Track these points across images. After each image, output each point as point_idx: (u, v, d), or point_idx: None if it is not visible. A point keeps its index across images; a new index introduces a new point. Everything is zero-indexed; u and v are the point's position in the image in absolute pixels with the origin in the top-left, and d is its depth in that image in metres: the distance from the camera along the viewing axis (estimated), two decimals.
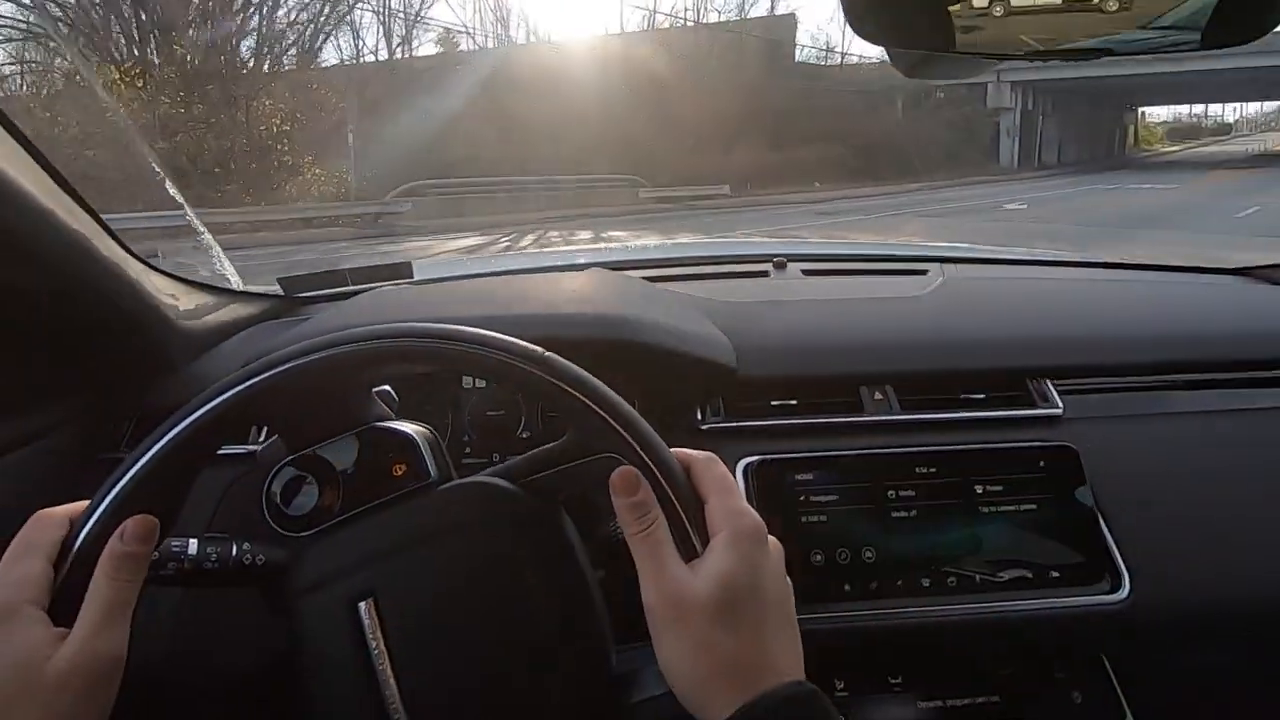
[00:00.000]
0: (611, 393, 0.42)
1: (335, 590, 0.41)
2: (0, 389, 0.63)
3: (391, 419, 0.48)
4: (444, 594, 0.42)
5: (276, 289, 0.94)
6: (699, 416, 0.72)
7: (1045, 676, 0.63)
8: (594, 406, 0.41)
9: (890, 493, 0.65)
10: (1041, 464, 0.67)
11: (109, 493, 0.39)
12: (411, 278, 1.00)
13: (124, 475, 0.39)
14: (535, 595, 0.42)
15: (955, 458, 0.67)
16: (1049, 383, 0.75)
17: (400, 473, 0.45)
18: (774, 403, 0.74)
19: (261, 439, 0.67)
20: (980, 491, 0.66)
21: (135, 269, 0.69)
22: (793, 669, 0.39)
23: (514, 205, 12.35)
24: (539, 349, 0.42)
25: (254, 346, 0.80)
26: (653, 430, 0.42)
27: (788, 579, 0.41)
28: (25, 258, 0.57)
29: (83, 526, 0.38)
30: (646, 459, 0.41)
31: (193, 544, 0.43)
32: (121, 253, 0.67)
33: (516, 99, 15.06)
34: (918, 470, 0.67)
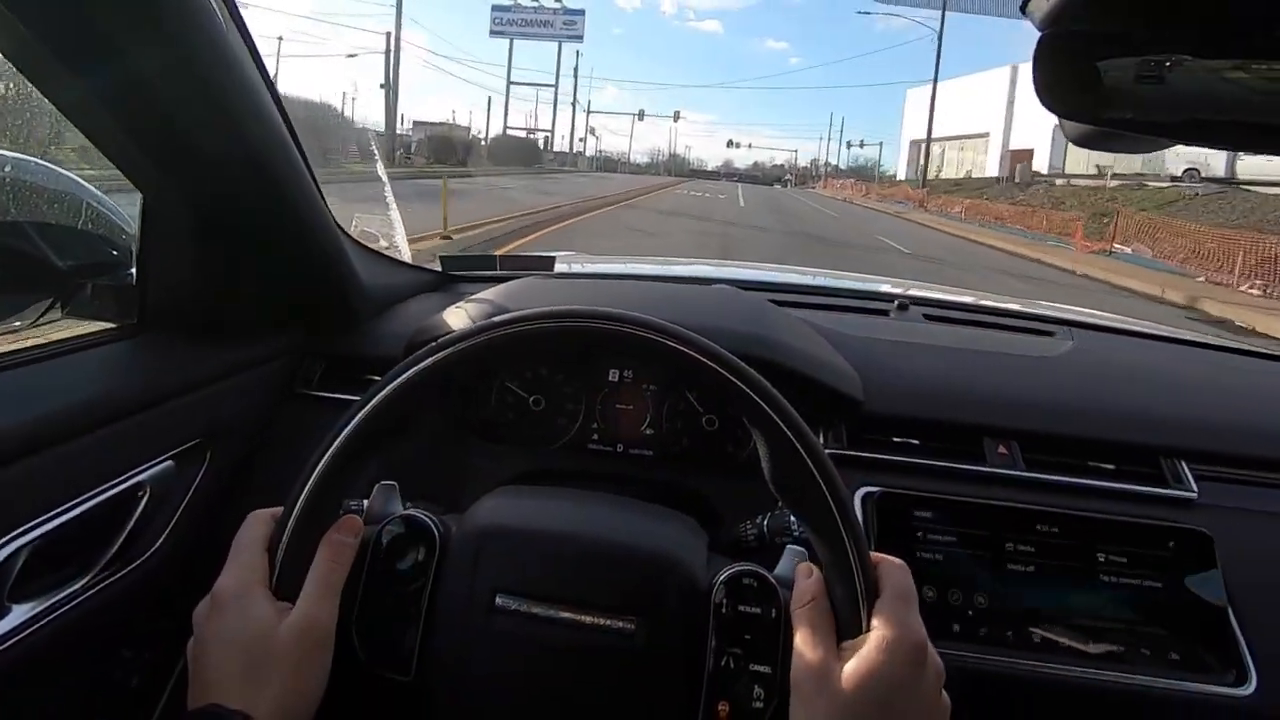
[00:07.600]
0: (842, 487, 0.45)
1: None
2: (249, 319, 0.77)
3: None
4: None
5: (436, 265, 1.04)
6: (820, 442, 0.75)
7: None
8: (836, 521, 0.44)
9: (1009, 545, 0.66)
10: (1171, 544, 0.66)
11: (300, 496, 0.46)
12: (552, 270, 1.08)
13: (309, 476, 0.46)
14: None
15: (1079, 523, 0.67)
16: (1183, 464, 0.74)
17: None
18: (895, 440, 0.76)
19: None
20: (1103, 560, 0.66)
21: (342, 238, 0.79)
22: None
23: None
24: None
25: (419, 315, 0.89)
26: (858, 519, 0.45)
27: (945, 701, 0.42)
28: (279, 222, 0.71)
29: (287, 521, 0.45)
30: (849, 545, 0.43)
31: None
32: (334, 222, 0.78)
33: None
34: (1039, 528, 0.67)
